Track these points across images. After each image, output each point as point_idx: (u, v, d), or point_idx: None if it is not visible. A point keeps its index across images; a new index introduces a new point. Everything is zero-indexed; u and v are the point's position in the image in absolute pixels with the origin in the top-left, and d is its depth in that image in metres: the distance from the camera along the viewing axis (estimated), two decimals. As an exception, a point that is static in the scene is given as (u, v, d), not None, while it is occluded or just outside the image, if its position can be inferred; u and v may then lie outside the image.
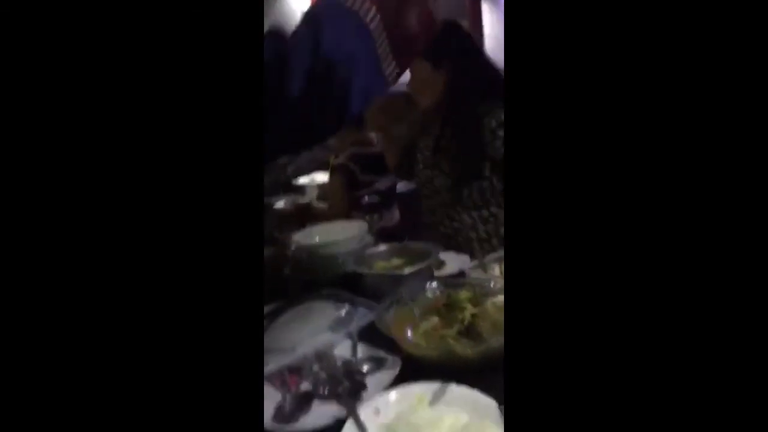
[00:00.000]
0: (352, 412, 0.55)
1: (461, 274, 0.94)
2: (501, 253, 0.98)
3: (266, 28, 0.39)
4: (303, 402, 0.61)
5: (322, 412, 0.59)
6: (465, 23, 1.76)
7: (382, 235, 1.25)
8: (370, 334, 0.73)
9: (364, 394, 0.61)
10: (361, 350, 0.71)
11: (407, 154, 1.28)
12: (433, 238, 1.16)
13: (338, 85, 0.42)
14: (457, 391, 0.57)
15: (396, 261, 0.98)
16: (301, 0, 0.92)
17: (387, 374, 0.65)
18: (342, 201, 1.39)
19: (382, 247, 1.00)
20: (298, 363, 0.69)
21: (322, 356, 0.70)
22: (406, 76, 1.04)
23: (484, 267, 0.94)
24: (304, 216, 1.42)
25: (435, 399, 0.57)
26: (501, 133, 1.05)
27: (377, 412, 0.56)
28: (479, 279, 0.86)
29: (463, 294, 0.75)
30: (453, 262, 1.03)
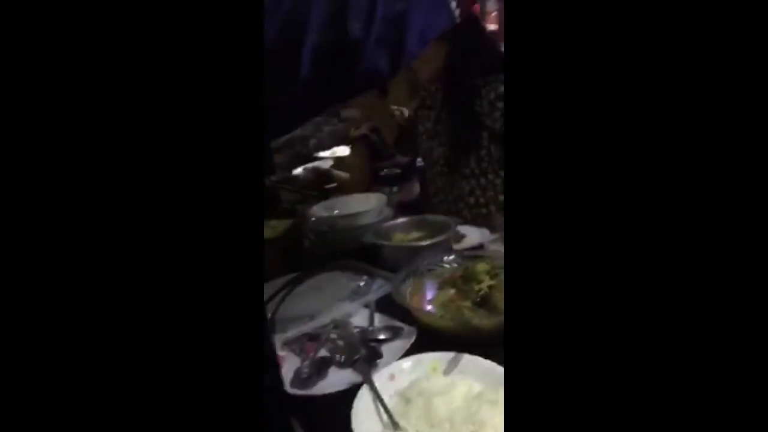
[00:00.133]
0: (368, 378, 0.56)
1: (480, 247, 0.93)
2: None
3: None
4: (321, 368, 0.63)
5: (339, 377, 0.61)
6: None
7: (401, 207, 1.26)
8: (387, 305, 0.75)
9: (380, 362, 0.62)
10: (378, 320, 0.73)
11: (409, 128, 1.31)
12: (434, 206, 1.22)
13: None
14: (472, 360, 0.57)
15: (415, 233, 0.98)
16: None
17: (403, 343, 0.66)
18: (363, 172, 1.40)
19: (401, 220, 1.00)
20: (316, 331, 0.71)
21: (340, 325, 0.72)
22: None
23: (503, 240, 0.94)
24: (324, 182, 1.43)
25: (449, 368, 0.58)
26: (500, 104, 1.09)
27: (392, 378, 0.57)
28: (497, 252, 0.85)
29: (481, 266, 0.75)
30: (473, 235, 1.03)
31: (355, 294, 0.79)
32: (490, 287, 0.71)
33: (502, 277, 0.73)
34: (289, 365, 0.64)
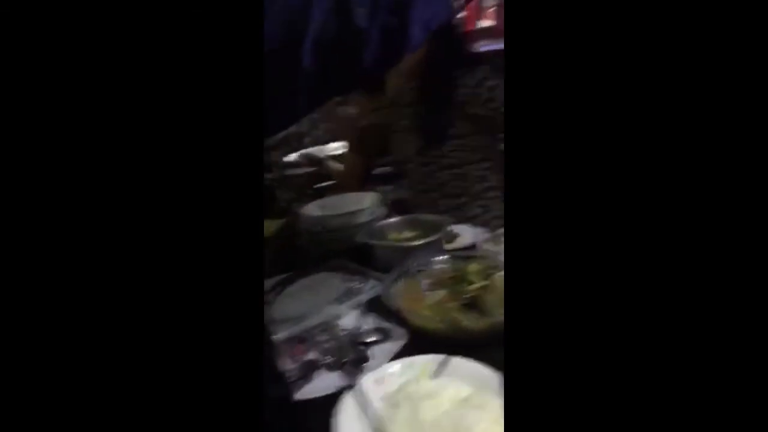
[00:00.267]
0: (354, 382, 0.55)
1: (472, 247, 0.92)
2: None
3: None
4: (308, 371, 0.62)
5: (326, 380, 0.60)
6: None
7: (396, 206, 1.25)
8: (378, 306, 0.74)
9: (369, 365, 0.61)
10: (369, 321, 0.72)
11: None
12: (411, 198, 1.25)
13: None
14: (461, 363, 0.56)
15: (408, 233, 0.97)
16: None
17: (393, 346, 0.65)
18: (358, 167, 1.39)
19: (394, 219, 0.99)
20: (305, 333, 0.70)
21: (329, 327, 0.71)
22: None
23: (496, 240, 0.92)
24: (317, 173, 1.43)
25: (438, 371, 0.57)
26: (480, 90, 1.12)
27: (380, 382, 0.56)
28: (489, 252, 0.84)
29: (472, 267, 0.74)
30: (466, 234, 1.02)
31: (347, 295, 0.78)
32: (480, 288, 0.70)
33: (494, 278, 0.72)
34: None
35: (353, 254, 0.93)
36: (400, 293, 0.73)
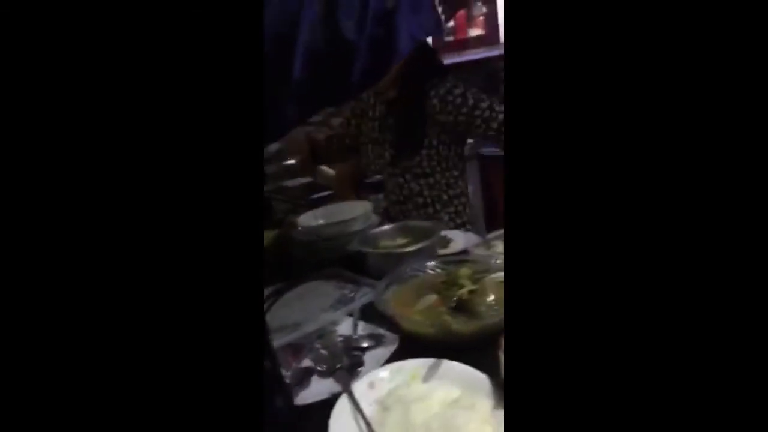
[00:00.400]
0: (347, 387, 0.56)
1: (464, 252, 0.94)
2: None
3: None
4: (303, 377, 0.63)
5: (321, 387, 0.61)
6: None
7: (388, 214, 1.26)
8: (371, 313, 0.75)
9: (362, 370, 0.63)
10: (362, 328, 0.73)
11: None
12: (388, 208, 1.30)
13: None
14: (451, 366, 0.58)
15: (401, 240, 0.99)
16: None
17: (385, 351, 0.66)
18: (349, 174, 1.42)
19: (387, 227, 1.01)
20: (300, 340, 0.71)
21: (324, 334, 0.72)
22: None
23: (487, 244, 0.94)
24: (311, 183, 1.46)
25: (429, 375, 0.58)
26: (450, 97, 1.17)
27: (372, 386, 0.57)
28: (481, 256, 0.86)
29: (463, 271, 0.76)
30: (459, 239, 1.03)
31: (340, 303, 0.80)
32: (471, 291, 0.71)
33: (483, 281, 0.74)
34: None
35: (347, 262, 0.95)
36: (391, 299, 0.74)
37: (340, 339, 0.70)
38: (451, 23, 2.44)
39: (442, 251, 0.97)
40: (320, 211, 1.09)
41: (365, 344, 0.69)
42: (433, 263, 0.83)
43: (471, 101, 1.16)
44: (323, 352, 0.68)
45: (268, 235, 1.02)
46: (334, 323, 0.75)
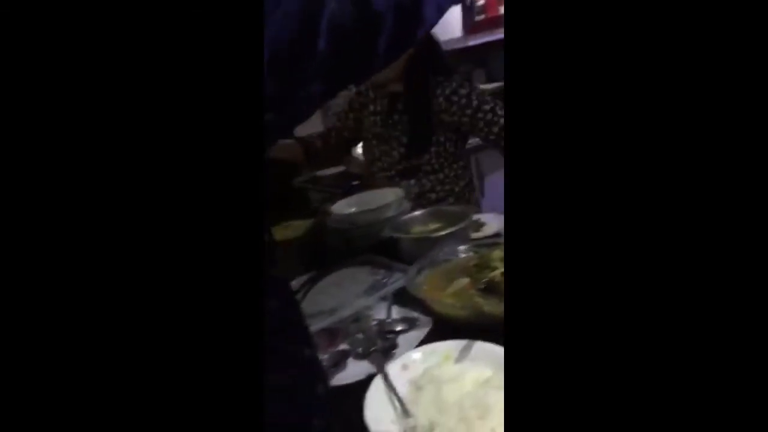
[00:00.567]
0: (381, 369, 0.58)
1: (497, 235, 0.93)
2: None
3: None
4: (339, 360, 0.66)
5: (357, 369, 0.63)
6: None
7: (421, 199, 1.27)
8: (404, 297, 0.76)
9: (396, 353, 0.64)
10: (395, 312, 0.74)
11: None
12: (417, 194, 1.29)
13: None
14: (483, 347, 0.58)
15: (433, 225, 0.99)
16: None
17: (419, 333, 0.68)
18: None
19: (419, 212, 1.01)
20: (336, 325, 0.74)
21: (359, 318, 0.74)
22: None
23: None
24: (345, 172, 1.48)
25: (461, 356, 0.59)
26: (455, 98, 1.18)
27: (405, 368, 0.59)
28: (513, 238, 0.85)
29: (495, 254, 0.76)
30: (493, 223, 1.03)
31: (374, 288, 0.81)
32: (503, 274, 0.71)
33: (516, 263, 0.73)
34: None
35: (381, 248, 0.96)
36: (424, 283, 0.75)
37: (375, 323, 0.72)
38: (482, 1, 2.38)
39: (474, 235, 0.96)
40: (353, 199, 1.10)
41: (399, 327, 0.70)
42: (465, 247, 0.83)
43: (475, 103, 1.18)
44: (358, 335, 0.70)
45: (304, 225, 1.05)
46: (369, 308, 0.76)
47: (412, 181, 1.19)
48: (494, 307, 0.65)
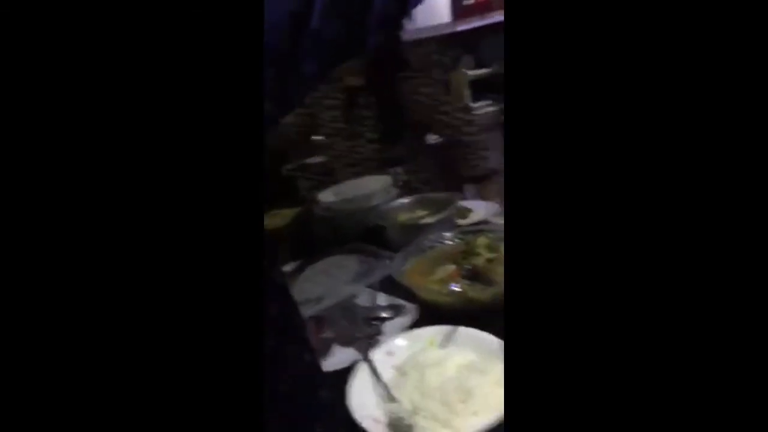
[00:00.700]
0: (366, 355, 0.59)
1: (484, 222, 0.94)
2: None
3: None
4: (325, 347, 0.66)
5: (342, 356, 0.64)
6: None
7: (409, 186, 1.27)
8: (391, 285, 0.77)
9: (381, 339, 0.65)
10: (381, 299, 0.75)
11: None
12: (404, 181, 1.26)
13: None
14: (466, 332, 0.59)
15: (420, 212, 0.99)
16: None
17: (404, 320, 0.68)
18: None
19: (406, 200, 1.02)
20: (322, 313, 0.74)
21: (345, 306, 0.75)
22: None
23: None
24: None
25: (445, 341, 0.60)
26: (417, 96, 1.18)
27: (390, 354, 0.59)
28: (500, 225, 0.86)
29: (480, 240, 0.76)
30: (479, 210, 1.03)
31: (360, 276, 0.82)
32: (488, 260, 0.72)
33: (501, 250, 0.74)
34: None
35: (368, 236, 0.96)
36: (410, 270, 0.75)
37: (361, 310, 0.73)
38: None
39: (461, 222, 0.97)
40: (340, 187, 1.10)
41: (385, 315, 0.71)
42: (451, 234, 0.84)
43: (437, 102, 1.18)
44: (344, 323, 0.70)
45: (290, 213, 1.04)
46: (355, 296, 0.77)
47: (399, 169, 1.18)
48: (479, 293, 0.66)
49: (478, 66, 2.45)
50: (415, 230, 0.89)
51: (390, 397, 0.53)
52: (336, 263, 0.88)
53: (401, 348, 0.60)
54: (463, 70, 2.41)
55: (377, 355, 0.59)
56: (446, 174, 1.31)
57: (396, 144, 1.24)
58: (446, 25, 2.27)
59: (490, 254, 0.73)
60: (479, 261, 0.71)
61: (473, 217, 1.01)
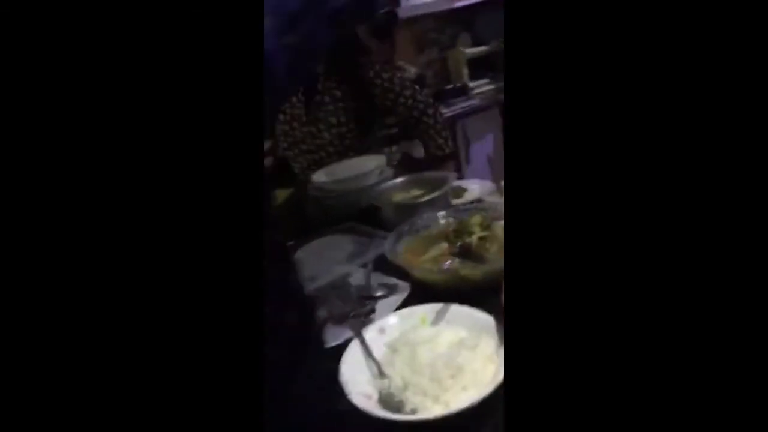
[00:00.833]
0: (358, 333, 0.59)
1: (479, 201, 0.93)
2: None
3: None
4: (318, 326, 0.66)
5: (335, 334, 0.64)
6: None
7: (408, 164, 1.26)
8: (384, 264, 0.77)
9: (374, 317, 0.65)
10: (375, 278, 0.75)
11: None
12: (399, 161, 1.31)
13: None
14: (458, 310, 0.59)
15: (415, 191, 0.99)
16: None
17: (397, 299, 0.68)
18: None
19: (400, 179, 1.01)
20: (316, 292, 0.74)
21: (339, 285, 0.75)
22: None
23: (502, 191, 0.93)
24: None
25: (437, 318, 0.60)
26: (378, 81, 1.20)
27: (382, 331, 0.60)
28: (492, 203, 0.85)
29: (474, 219, 0.76)
30: (474, 189, 1.03)
31: (354, 256, 0.82)
32: (481, 238, 0.71)
33: (494, 227, 0.74)
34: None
35: (363, 216, 0.96)
36: (403, 249, 0.75)
37: (354, 289, 0.73)
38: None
39: (456, 201, 0.97)
40: (333, 167, 1.09)
41: (378, 293, 0.71)
42: (444, 213, 0.83)
43: (397, 88, 1.20)
44: (338, 302, 0.70)
45: (284, 194, 1.04)
46: (348, 275, 0.77)
47: (395, 148, 1.18)
48: (470, 271, 0.66)
49: (476, 44, 2.42)
50: (410, 210, 0.88)
51: (381, 374, 0.53)
52: (331, 243, 0.88)
53: (393, 326, 0.60)
54: (461, 48, 2.38)
55: (369, 332, 0.59)
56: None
57: (364, 130, 1.25)
58: (444, 1, 2.23)
59: (483, 232, 0.73)
60: (471, 239, 0.71)
61: (468, 197, 1.00)
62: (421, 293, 0.68)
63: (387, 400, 0.50)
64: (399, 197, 0.98)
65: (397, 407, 0.49)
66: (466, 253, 0.69)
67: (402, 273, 0.73)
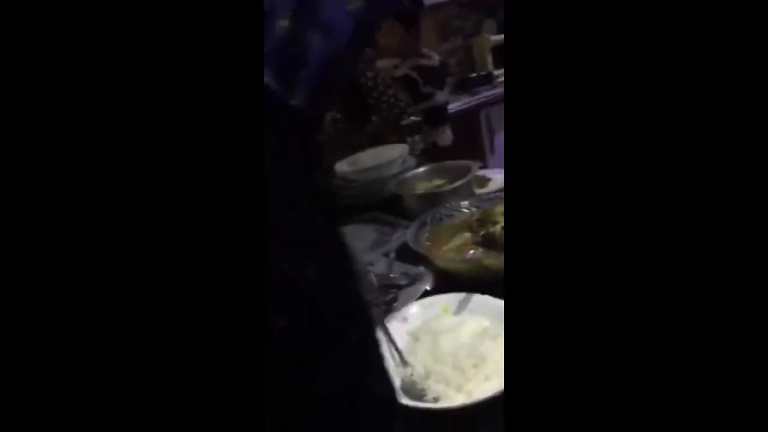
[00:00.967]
0: (380, 321, 0.59)
1: (501, 190, 0.92)
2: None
3: None
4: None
5: (358, 322, 0.65)
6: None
7: (431, 152, 1.26)
8: (407, 253, 0.77)
9: (396, 306, 0.65)
10: (397, 267, 0.75)
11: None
12: (423, 149, 1.32)
13: None
14: (481, 300, 0.59)
15: (437, 181, 0.98)
16: None
17: (420, 287, 0.68)
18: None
19: (423, 169, 1.01)
20: (339, 281, 0.75)
21: (361, 274, 0.75)
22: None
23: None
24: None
25: (459, 308, 0.60)
26: (363, 80, 1.23)
27: (405, 320, 0.60)
28: (517, 193, 0.84)
29: (497, 208, 0.75)
30: (498, 178, 1.02)
31: (377, 244, 0.82)
32: (503, 228, 0.71)
33: (518, 217, 0.73)
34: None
35: (386, 206, 0.96)
36: (426, 238, 0.75)
37: (376, 278, 0.73)
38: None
39: (479, 190, 0.96)
40: (356, 157, 1.10)
41: (401, 282, 0.71)
42: (467, 202, 0.83)
43: (381, 87, 1.23)
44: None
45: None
46: (371, 264, 0.77)
47: (417, 137, 1.17)
48: (493, 260, 0.65)
49: (501, 30, 2.37)
50: (433, 199, 0.88)
51: (403, 362, 0.53)
52: (354, 232, 0.88)
53: (415, 315, 0.61)
54: (486, 35, 2.33)
55: (392, 321, 0.60)
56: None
57: (357, 126, 1.27)
58: (467, -12, 2.20)
59: (507, 222, 0.72)
60: (495, 228, 0.71)
61: (491, 186, 0.99)
62: (444, 282, 0.68)
63: (409, 388, 0.50)
64: (422, 187, 0.97)
65: (420, 395, 0.49)
66: (489, 243, 0.69)
67: (425, 262, 0.72)
